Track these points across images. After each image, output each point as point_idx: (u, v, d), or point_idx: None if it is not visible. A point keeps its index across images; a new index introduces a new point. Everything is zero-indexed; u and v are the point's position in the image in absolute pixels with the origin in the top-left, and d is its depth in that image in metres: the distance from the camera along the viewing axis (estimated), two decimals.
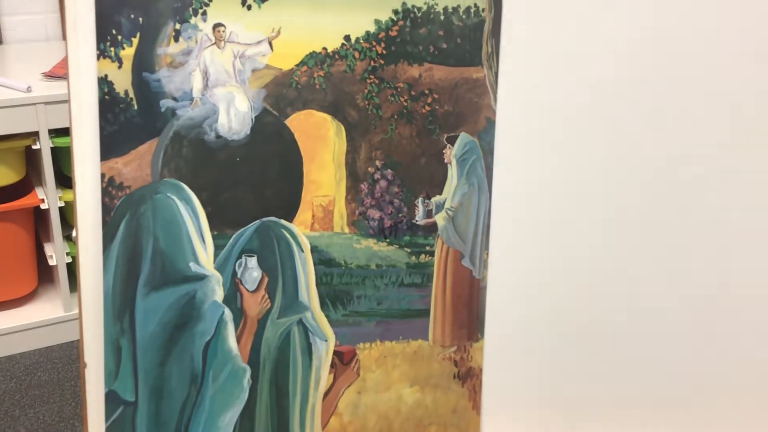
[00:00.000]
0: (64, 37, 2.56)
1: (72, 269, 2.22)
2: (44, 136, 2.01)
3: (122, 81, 0.81)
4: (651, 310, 0.93)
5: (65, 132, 2.05)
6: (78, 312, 0.87)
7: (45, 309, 2.28)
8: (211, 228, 0.84)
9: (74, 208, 0.84)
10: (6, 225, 2.14)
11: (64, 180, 2.16)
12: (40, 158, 2.07)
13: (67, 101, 0.83)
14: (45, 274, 2.37)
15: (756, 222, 0.91)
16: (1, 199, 2.08)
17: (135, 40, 0.81)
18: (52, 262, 2.17)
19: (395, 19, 0.84)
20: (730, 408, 0.96)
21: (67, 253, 2.17)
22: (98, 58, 0.81)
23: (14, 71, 2.23)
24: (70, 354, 2.21)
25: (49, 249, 2.20)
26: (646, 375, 0.94)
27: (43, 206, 2.10)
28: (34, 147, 2.05)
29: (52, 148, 2.04)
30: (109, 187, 0.83)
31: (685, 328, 0.94)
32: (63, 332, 2.26)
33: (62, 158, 2.15)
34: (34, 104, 1.98)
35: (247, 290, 0.85)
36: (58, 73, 2.11)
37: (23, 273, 2.25)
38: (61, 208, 2.11)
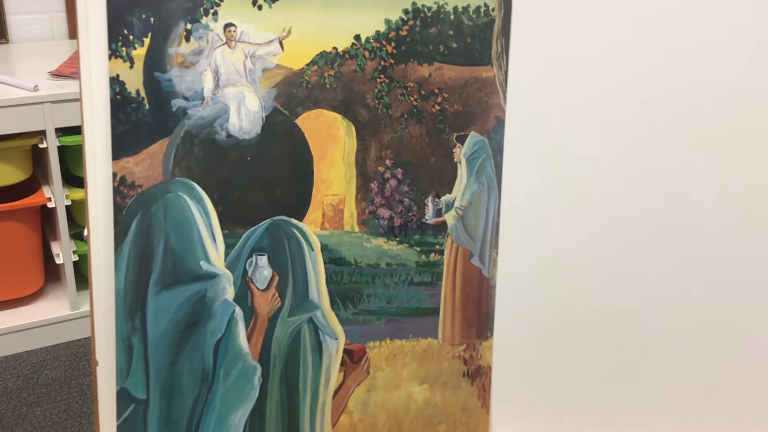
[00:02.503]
0: (71, 36, 2.57)
1: (79, 268, 2.23)
2: (51, 134, 2.02)
3: (134, 81, 0.82)
4: (660, 309, 0.93)
5: (72, 131, 2.06)
6: (89, 310, 0.87)
7: (52, 307, 2.29)
8: (222, 227, 0.85)
9: (86, 208, 0.85)
10: (13, 224, 2.15)
11: (71, 179, 2.16)
12: (46, 157, 2.08)
13: (77, 101, 0.84)
14: (52, 273, 2.38)
15: (762, 224, 0.92)
16: (8, 198, 2.09)
17: (146, 40, 0.81)
18: (58, 261, 2.17)
19: (405, 18, 0.84)
20: (737, 408, 0.97)
21: (74, 252, 2.17)
22: (110, 58, 0.81)
23: (21, 70, 2.23)
24: (77, 352, 2.22)
25: (55, 247, 2.21)
26: (655, 373, 0.95)
27: (50, 205, 2.10)
28: (40, 146, 2.05)
29: (58, 146, 2.05)
30: (121, 186, 0.83)
31: (694, 326, 0.94)
32: (70, 330, 2.26)
33: (69, 157, 2.16)
34: (41, 103, 1.99)
35: (258, 289, 0.86)
36: (65, 71, 2.11)
37: (30, 271, 2.26)
38: (67, 207, 2.12)
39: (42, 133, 2.03)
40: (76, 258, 2.18)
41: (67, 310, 2.26)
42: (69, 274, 2.20)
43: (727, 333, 0.94)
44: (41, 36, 2.54)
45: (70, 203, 2.11)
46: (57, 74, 2.11)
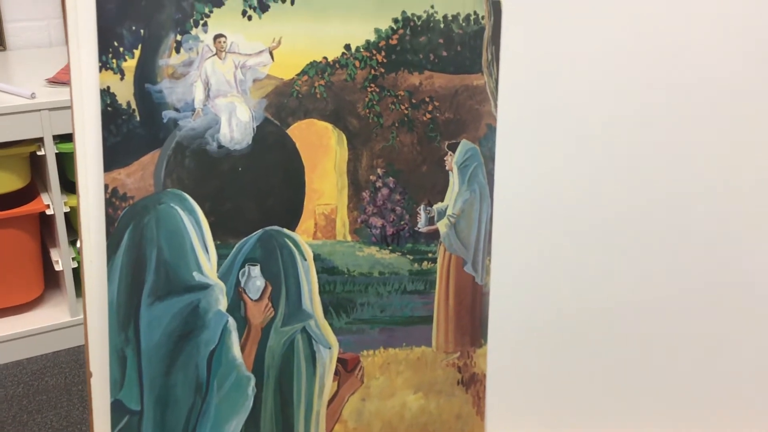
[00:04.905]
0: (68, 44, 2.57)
1: (78, 274, 2.23)
2: (49, 142, 2.02)
3: (124, 92, 0.82)
4: (654, 315, 0.93)
5: (70, 137, 2.06)
6: (83, 321, 0.87)
7: (51, 314, 2.29)
8: (214, 237, 0.85)
9: (78, 219, 0.85)
10: (12, 231, 2.15)
11: (69, 185, 2.17)
12: (45, 164, 2.08)
13: (71, 111, 0.84)
14: (51, 280, 2.38)
15: (759, 223, 0.91)
16: (7, 205, 2.09)
17: (137, 52, 0.81)
18: (58, 268, 2.18)
19: (395, 27, 0.84)
20: (733, 409, 0.96)
21: (73, 258, 2.18)
22: (100, 70, 0.81)
23: (18, 77, 2.24)
24: (77, 359, 2.22)
25: (54, 254, 2.21)
26: (651, 380, 0.94)
27: (49, 212, 2.11)
28: (38, 153, 2.05)
29: (56, 153, 2.05)
30: (113, 197, 0.83)
31: (690, 332, 0.94)
32: (70, 337, 2.27)
33: (67, 164, 2.16)
34: (39, 110, 1.99)
35: (251, 299, 0.86)
36: (62, 79, 2.12)
37: (29, 278, 2.26)
38: (66, 214, 2.12)
39: (40, 141, 2.03)
40: (75, 265, 2.18)
41: (66, 316, 2.27)
42: (68, 280, 2.20)
43: (726, 335, 0.94)
44: (38, 43, 2.55)
45: (68, 210, 2.11)
46: (54, 81, 2.11)
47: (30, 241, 2.21)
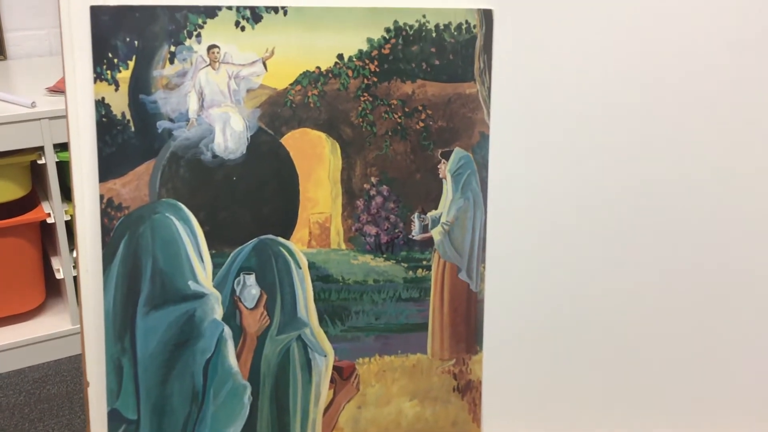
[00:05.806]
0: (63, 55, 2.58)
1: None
2: (49, 150, 2.03)
3: (119, 103, 0.82)
4: (649, 320, 0.93)
5: None
6: (80, 331, 0.88)
7: (53, 322, 2.29)
8: (210, 247, 0.85)
9: (74, 229, 0.85)
10: (13, 240, 2.16)
11: (70, 194, 2.17)
12: (45, 173, 2.09)
13: (66, 122, 0.85)
14: (52, 288, 2.39)
15: (754, 224, 0.92)
16: (8, 214, 2.10)
17: (131, 63, 0.82)
18: (59, 276, 2.18)
19: (387, 37, 0.84)
20: (732, 410, 0.96)
21: (74, 267, 2.18)
22: (95, 81, 0.82)
23: (19, 87, 2.25)
24: (79, 367, 2.23)
25: (56, 263, 2.22)
26: (646, 386, 0.95)
27: (50, 220, 2.11)
28: (39, 162, 2.06)
29: (57, 162, 2.06)
30: (108, 208, 0.84)
31: (686, 335, 0.94)
32: (71, 345, 2.27)
33: (67, 172, 2.16)
34: (39, 119, 2.00)
35: (246, 308, 0.86)
36: (62, 88, 2.12)
37: (31, 287, 2.27)
38: (67, 222, 2.13)
39: (40, 149, 2.04)
40: (76, 273, 2.18)
41: (68, 324, 2.27)
42: (69, 289, 2.21)
43: (723, 338, 0.94)
44: (39, 52, 2.56)
45: (69, 218, 2.12)
46: (54, 90, 2.12)
47: (31, 250, 2.22)
